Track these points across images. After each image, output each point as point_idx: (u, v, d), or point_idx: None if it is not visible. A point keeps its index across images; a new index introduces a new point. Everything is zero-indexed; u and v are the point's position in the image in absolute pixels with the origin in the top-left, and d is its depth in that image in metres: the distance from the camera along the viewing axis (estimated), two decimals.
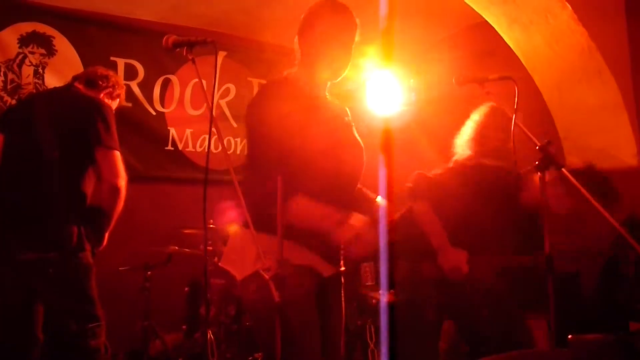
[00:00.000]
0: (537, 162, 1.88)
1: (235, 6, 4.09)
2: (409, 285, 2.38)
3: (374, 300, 2.94)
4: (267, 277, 1.43)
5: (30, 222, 2.35)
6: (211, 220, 3.26)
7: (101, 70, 2.74)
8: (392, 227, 2.50)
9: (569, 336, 1.16)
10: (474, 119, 2.66)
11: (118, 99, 2.80)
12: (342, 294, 1.91)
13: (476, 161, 2.45)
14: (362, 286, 2.59)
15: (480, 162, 2.43)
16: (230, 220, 1.86)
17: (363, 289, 2.83)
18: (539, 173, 1.85)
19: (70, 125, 2.42)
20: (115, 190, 2.41)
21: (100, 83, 2.67)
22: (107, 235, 2.53)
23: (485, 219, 2.23)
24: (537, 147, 1.88)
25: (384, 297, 2.45)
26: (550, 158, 1.87)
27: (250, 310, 1.76)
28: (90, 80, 2.67)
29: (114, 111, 2.60)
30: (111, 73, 2.79)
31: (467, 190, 2.29)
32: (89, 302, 2.38)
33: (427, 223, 2.33)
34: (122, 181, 2.43)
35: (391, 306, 2.38)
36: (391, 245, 2.21)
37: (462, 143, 2.64)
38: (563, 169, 1.86)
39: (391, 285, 2.41)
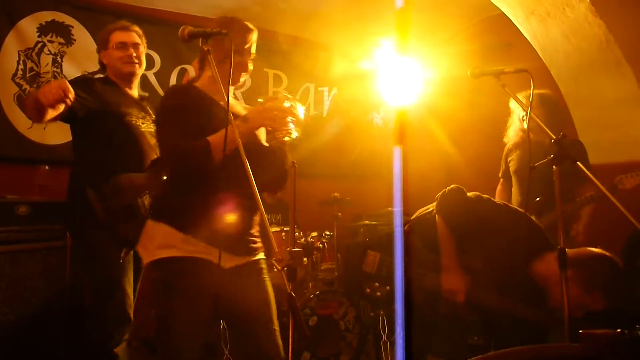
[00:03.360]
0: (552, 156, 1.87)
1: None
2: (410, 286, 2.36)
3: (377, 293, 2.91)
4: (279, 267, 1.46)
5: None
6: None
7: None
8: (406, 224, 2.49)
9: (580, 331, 1.16)
10: None
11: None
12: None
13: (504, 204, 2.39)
14: (363, 273, 2.58)
15: (513, 208, 2.37)
16: None
17: (363, 278, 2.79)
18: (554, 166, 1.84)
19: None
20: None
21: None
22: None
23: (501, 259, 2.17)
24: (552, 141, 1.87)
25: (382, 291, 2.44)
26: (565, 151, 1.86)
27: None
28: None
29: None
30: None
31: (490, 227, 2.21)
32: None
33: (441, 239, 2.30)
34: None
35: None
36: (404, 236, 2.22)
37: None
38: (578, 163, 1.85)
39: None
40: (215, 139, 1.68)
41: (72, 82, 2.37)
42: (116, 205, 2.28)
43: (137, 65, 2.54)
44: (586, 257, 2.03)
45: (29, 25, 3.59)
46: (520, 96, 2.91)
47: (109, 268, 2.34)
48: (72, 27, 3.74)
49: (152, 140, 2.45)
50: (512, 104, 3.12)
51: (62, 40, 3.71)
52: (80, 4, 3.77)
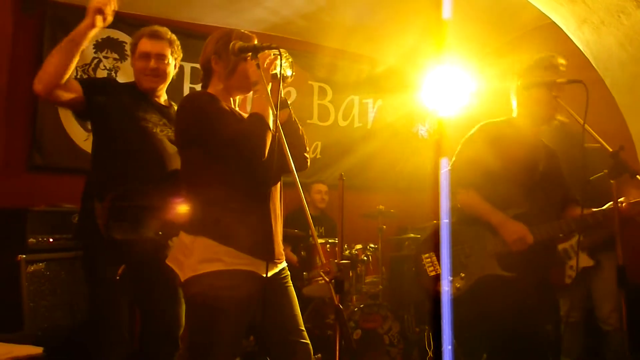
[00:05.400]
0: (608, 170, 1.80)
1: (296, 12, 4.17)
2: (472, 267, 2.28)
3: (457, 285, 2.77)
4: (327, 279, 1.46)
5: None
6: None
7: None
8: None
9: None
10: None
11: None
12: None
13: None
14: (426, 277, 2.48)
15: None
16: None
17: (426, 280, 2.69)
18: (611, 181, 1.78)
19: None
20: None
21: None
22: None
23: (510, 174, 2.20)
24: (609, 154, 1.81)
25: (447, 286, 2.33)
26: (622, 165, 1.79)
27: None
28: None
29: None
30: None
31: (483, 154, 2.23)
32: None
33: (477, 205, 2.23)
34: None
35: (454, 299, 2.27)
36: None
37: None
38: (638, 177, 1.78)
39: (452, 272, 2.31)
40: (258, 110, 1.72)
41: (93, 78, 2.36)
42: (121, 218, 2.08)
43: (157, 80, 2.26)
44: None
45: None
46: None
47: (107, 286, 2.15)
48: (126, 43, 3.88)
49: (172, 149, 2.17)
50: None
51: (116, 56, 3.87)
52: (133, 22, 3.91)
